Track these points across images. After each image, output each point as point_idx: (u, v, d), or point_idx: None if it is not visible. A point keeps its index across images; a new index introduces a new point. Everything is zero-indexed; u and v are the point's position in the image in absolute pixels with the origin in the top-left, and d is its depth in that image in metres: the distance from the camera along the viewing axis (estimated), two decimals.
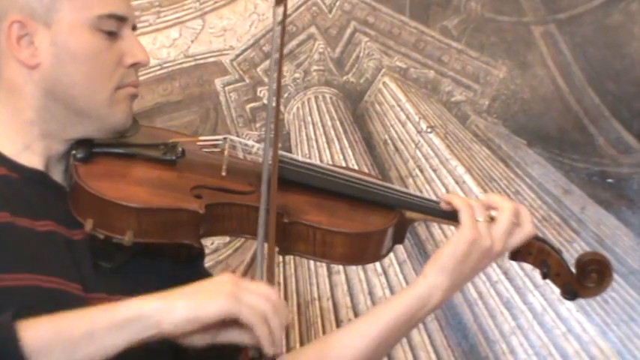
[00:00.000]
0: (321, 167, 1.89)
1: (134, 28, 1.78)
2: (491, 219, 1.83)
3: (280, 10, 1.83)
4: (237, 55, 2.91)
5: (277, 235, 1.74)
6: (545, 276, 1.86)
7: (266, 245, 1.68)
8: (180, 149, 1.79)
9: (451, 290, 1.85)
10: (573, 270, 1.86)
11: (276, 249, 1.78)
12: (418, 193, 1.92)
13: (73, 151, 1.73)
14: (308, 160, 1.88)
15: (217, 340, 1.57)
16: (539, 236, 1.89)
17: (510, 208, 1.83)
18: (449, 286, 1.83)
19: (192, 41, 2.94)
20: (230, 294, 1.53)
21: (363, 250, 1.81)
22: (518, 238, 1.84)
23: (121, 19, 1.74)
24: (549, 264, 1.85)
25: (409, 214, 1.86)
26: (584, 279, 1.85)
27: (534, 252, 1.86)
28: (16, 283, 1.63)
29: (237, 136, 2.84)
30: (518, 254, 1.86)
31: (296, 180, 1.83)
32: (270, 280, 1.62)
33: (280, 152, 1.83)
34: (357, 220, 1.82)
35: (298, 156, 1.92)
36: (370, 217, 1.83)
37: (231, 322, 1.56)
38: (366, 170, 2.76)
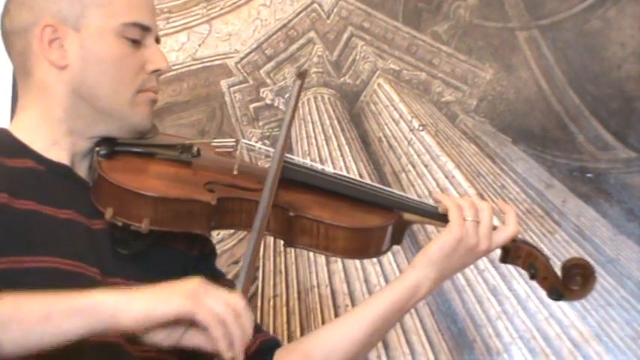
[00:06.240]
0: (325, 171, 1.95)
1: (158, 40, 1.85)
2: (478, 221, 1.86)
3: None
4: (242, 58, 2.96)
5: (283, 227, 1.82)
6: (532, 277, 1.92)
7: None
8: (195, 149, 1.86)
9: (438, 281, 1.90)
10: (559, 273, 1.91)
11: (282, 242, 1.86)
12: (416, 197, 1.98)
13: (97, 148, 1.80)
14: (313, 164, 1.94)
15: (181, 343, 1.54)
16: (529, 242, 1.96)
17: (489, 208, 1.88)
18: (436, 277, 1.88)
19: (199, 45, 2.99)
20: (191, 294, 1.50)
21: (364, 245, 1.86)
22: (504, 236, 1.89)
23: (144, 29, 1.81)
24: (537, 267, 1.91)
25: (407, 215, 1.91)
26: (569, 282, 1.91)
27: (523, 255, 1.92)
28: (38, 265, 1.68)
29: (242, 133, 2.94)
30: (508, 257, 1.93)
31: (302, 180, 1.89)
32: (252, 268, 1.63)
33: (288, 155, 1.90)
34: (358, 217, 1.87)
35: (307, 161, 1.97)
36: (370, 215, 1.89)
37: (195, 326, 1.52)
38: (362, 166, 2.79)
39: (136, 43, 1.80)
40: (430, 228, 2.66)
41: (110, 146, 1.81)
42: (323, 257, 2.77)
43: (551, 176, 2.66)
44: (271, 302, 2.82)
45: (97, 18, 1.78)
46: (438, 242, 1.87)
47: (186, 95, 3.00)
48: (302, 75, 1.92)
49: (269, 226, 1.79)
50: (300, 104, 2.90)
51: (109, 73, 1.78)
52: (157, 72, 1.83)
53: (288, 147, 2.72)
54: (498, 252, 1.94)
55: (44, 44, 1.77)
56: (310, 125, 2.88)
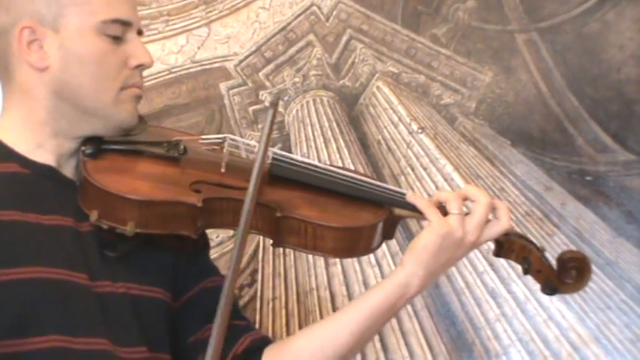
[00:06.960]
0: (315, 165, 1.88)
1: (140, 32, 1.80)
2: (466, 213, 1.81)
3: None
4: (241, 61, 2.97)
5: (270, 227, 1.78)
6: (526, 272, 1.86)
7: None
8: (182, 147, 1.81)
9: (429, 278, 1.82)
10: (554, 267, 1.85)
11: (270, 241, 1.81)
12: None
13: (83, 147, 1.76)
14: (302, 159, 1.89)
15: None
16: (523, 234, 1.88)
17: (485, 202, 1.81)
18: (425, 274, 1.81)
19: (198, 48, 2.99)
20: None
21: (353, 244, 1.82)
22: (495, 231, 1.82)
23: (125, 24, 1.76)
24: (531, 261, 1.85)
25: (398, 211, 1.86)
26: (564, 275, 1.85)
27: (517, 249, 1.85)
28: (25, 276, 1.65)
29: (241, 136, 2.93)
30: (501, 251, 1.86)
31: (289, 177, 1.84)
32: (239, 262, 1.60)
33: (276, 150, 1.86)
34: (347, 215, 1.82)
35: (295, 155, 1.95)
36: (360, 213, 1.83)
37: None
38: (361, 169, 2.78)
39: (117, 39, 1.76)
40: None
41: (96, 145, 1.78)
42: (322, 260, 2.77)
43: (550, 179, 2.67)
44: (270, 305, 2.83)
45: (76, 17, 1.74)
46: (422, 240, 1.80)
47: (185, 98, 3.00)
48: (275, 103, 1.86)
49: (257, 226, 1.77)
50: (299, 107, 2.90)
51: (90, 73, 1.75)
52: (140, 67, 1.79)
53: (287, 150, 2.74)
54: (492, 246, 1.89)
55: (23, 46, 1.74)
56: (309, 128, 2.89)
